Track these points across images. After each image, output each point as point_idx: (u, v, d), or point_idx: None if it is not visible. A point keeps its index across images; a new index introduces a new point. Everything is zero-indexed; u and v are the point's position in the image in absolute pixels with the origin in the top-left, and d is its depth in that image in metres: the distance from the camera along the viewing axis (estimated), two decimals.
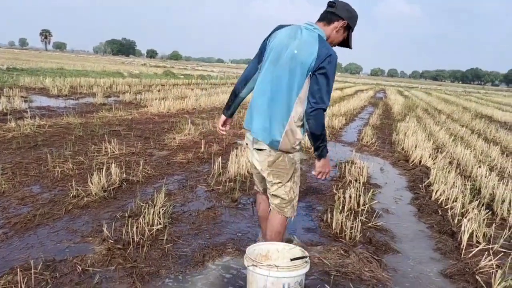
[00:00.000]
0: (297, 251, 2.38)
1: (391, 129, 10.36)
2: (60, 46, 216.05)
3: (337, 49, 2.54)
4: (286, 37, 2.44)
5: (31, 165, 4.61)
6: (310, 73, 2.34)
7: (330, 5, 2.50)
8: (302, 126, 2.47)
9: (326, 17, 2.49)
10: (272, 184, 2.58)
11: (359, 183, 4.86)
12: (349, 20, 2.49)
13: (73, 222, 3.28)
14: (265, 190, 2.74)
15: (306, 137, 2.54)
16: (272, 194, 2.61)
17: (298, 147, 2.52)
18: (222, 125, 2.83)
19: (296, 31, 2.44)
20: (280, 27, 2.54)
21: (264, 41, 2.57)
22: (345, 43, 2.61)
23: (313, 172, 2.62)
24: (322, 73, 2.32)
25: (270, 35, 2.55)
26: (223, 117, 2.82)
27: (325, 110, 2.38)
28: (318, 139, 2.44)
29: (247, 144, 2.66)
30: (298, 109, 2.39)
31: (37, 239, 2.95)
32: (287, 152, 2.49)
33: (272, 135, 2.43)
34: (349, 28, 2.53)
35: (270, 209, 2.70)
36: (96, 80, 16.93)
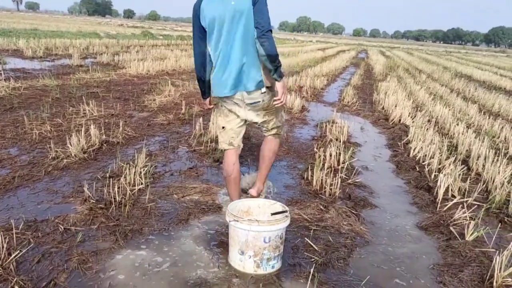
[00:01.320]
0: (278, 206, 2.43)
1: (372, 89, 10.40)
2: (32, 7, 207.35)
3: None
4: (214, 3, 2.67)
5: (8, 128, 4.51)
6: (252, 9, 2.61)
7: None
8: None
9: None
10: (269, 121, 2.94)
11: (340, 142, 4.93)
12: None
13: (54, 183, 3.26)
14: (239, 145, 2.98)
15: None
16: (270, 128, 2.99)
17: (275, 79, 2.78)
18: (209, 104, 3.18)
19: None
20: (197, 4, 2.74)
21: (197, 23, 2.77)
22: None
23: (275, 99, 2.82)
24: (260, 2, 2.62)
25: (198, 15, 2.74)
26: (207, 100, 3.13)
27: (271, 31, 2.67)
28: (276, 59, 2.67)
29: (236, 104, 2.83)
30: (259, 46, 2.63)
31: (17, 200, 2.93)
32: (270, 88, 2.80)
33: (256, 78, 2.71)
34: None
35: (265, 138, 3.07)
36: (71, 41, 16.41)
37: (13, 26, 23.96)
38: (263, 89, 2.76)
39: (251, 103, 2.81)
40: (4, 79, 6.89)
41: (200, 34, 2.78)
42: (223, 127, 2.94)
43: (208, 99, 3.12)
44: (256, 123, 2.97)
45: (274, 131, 3.02)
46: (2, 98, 5.85)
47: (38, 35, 18.46)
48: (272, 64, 2.66)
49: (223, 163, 3.01)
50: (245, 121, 2.94)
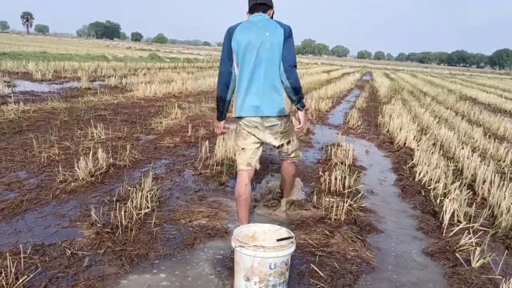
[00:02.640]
0: (283, 232, 2.44)
1: (377, 111, 10.45)
2: (42, 29, 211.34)
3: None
4: (250, 30, 2.95)
5: (17, 151, 4.58)
6: (283, 44, 2.92)
7: None
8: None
9: (262, 7, 3.02)
10: (286, 145, 3.19)
11: (345, 165, 4.93)
12: (273, 7, 3.10)
13: (61, 207, 3.30)
14: (256, 165, 3.16)
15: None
16: (288, 153, 3.25)
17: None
18: (223, 129, 3.35)
19: (253, 22, 2.98)
20: (232, 28, 3.01)
21: (227, 45, 3.01)
22: None
23: (297, 127, 3.18)
24: (290, 39, 2.96)
25: (230, 38, 2.99)
26: (221, 123, 3.30)
27: (296, 66, 3.01)
28: (299, 91, 3.03)
29: (255, 127, 3.03)
30: (283, 77, 2.95)
31: (25, 224, 2.96)
32: (288, 115, 3.11)
33: (279, 105, 2.98)
34: (273, 13, 3.14)
35: (283, 163, 3.37)
36: (80, 64, 16.67)
37: (23, 49, 24.45)
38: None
39: (269, 126, 3.03)
40: (14, 102, 7.02)
41: (229, 55, 3.01)
42: (242, 148, 3.11)
43: (222, 122, 3.28)
44: (274, 146, 3.19)
45: (293, 155, 3.28)
46: (12, 121, 5.95)
47: (47, 58, 18.81)
48: (296, 96, 3.01)
49: (237, 183, 3.13)
50: (263, 143, 3.16)
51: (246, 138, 3.08)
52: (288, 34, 2.94)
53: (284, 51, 2.93)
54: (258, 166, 3.16)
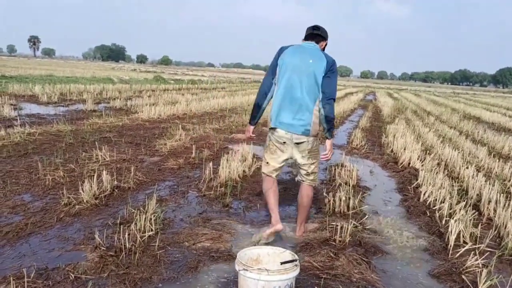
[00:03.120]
0: (287, 254, 2.43)
1: (381, 131, 10.46)
2: (48, 53, 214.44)
3: (329, 54, 3.40)
4: (298, 53, 3.31)
5: (22, 174, 4.61)
6: (323, 74, 3.24)
7: (315, 28, 3.42)
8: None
9: (316, 38, 3.40)
10: (310, 164, 3.41)
11: (349, 186, 4.93)
12: (327, 39, 3.49)
13: (65, 230, 3.30)
14: (277, 176, 3.52)
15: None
16: (309, 172, 3.44)
17: (318, 132, 3.40)
18: (252, 133, 3.61)
19: (303, 47, 3.35)
20: (284, 48, 3.38)
21: (275, 60, 3.38)
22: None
23: (323, 154, 3.41)
24: (333, 73, 3.28)
25: (279, 55, 3.36)
26: (251, 127, 3.58)
27: (335, 100, 3.32)
28: (332, 122, 3.32)
29: (284, 142, 3.34)
30: (318, 103, 3.26)
31: (29, 247, 2.96)
32: (315, 137, 3.36)
33: (306, 126, 3.26)
34: (326, 45, 3.51)
35: (302, 185, 3.51)
36: (86, 87, 16.88)
37: (30, 72, 24.79)
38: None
39: (297, 143, 3.32)
40: (20, 125, 7.09)
41: (274, 69, 3.38)
42: (267, 162, 3.46)
43: (252, 127, 3.57)
44: (299, 164, 3.42)
45: (312, 177, 3.47)
46: (17, 143, 6.00)
47: (53, 81, 19.04)
48: (328, 124, 3.30)
49: (263, 182, 3.53)
50: (287, 159, 3.44)
51: (273, 153, 3.42)
52: (331, 67, 3.26)
53: (325, 84, 3.24)
54: (279, 175, 3.57)
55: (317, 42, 3.39)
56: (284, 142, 3.33)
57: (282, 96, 3.29)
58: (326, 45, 3.48)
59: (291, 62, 3.27)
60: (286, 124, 3.27)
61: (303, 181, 3.50)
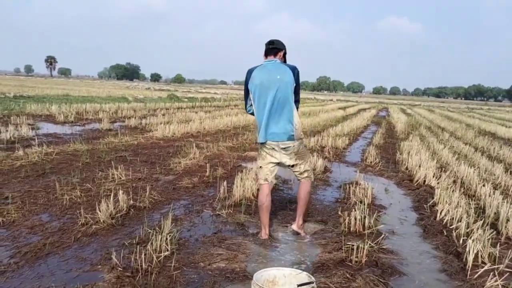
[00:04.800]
0: (304, 276, 2.42)
1: (395, 148, 10.40)
2: (65, 72, 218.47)
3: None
4: (263, 73, 3.70)
5: (40, 193, 4.68)
6: (293, 85, 3.70)
7: (270, 43, 3.80)
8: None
9: (272, 52, 3.79)
10: (299, 164, 3.87)
11: (364, 204, 4.89)
12: (285, 48, 3.86)
13: (82, 250, 3.34)
14: (272, 181, 3.92)
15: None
16: (301, 172, 3.91)
17: (302, 134, 3.88)
18: None
19: (266, 67, 3.73)
20: (250, 70, 3.78)
21: (246, 86, 3.84)
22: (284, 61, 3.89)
23: None
24: (297, 78, 3.74)
25: (248, 79, 3.78)
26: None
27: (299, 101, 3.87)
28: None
29: (273, 148, 3.78)
30: (295, 109, 3.73)
31: (47, 268, 3.00)
32: (301, 139, 3.82)
33: (289, 133, 3.71)
34: (285, 53, 3.87)
35: (300, 182, 3.98)
36: (101, 106, 17.14)
37: (46, 92, 25.32)
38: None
39: (284, 148, 3.77)
40: (37, 145, 7.22)
41: (247, 95, 3.87)
42: (260, 167, 3.89)
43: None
44: (289, 166, 3.87)
45: (305, 174, 3.93)
46: (35, 163, 6.11)
47: (69, 100, 19.42)
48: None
49: (259, 194, 3.93)
50: (279, 163, 3.87)
51: (264, 158, 3.86)
52: (296, 75, 3.70)
53: (296, 94, 3.74)
54: (274, 181, 3.96)
55: (276, 54, 3.77)
56: (273, 148, 3.79)
57: (262, 115, 3.72)
58: (285, 53, 3.85)
59: (261, 83, 3.69)
60: (271, 134, 3.72)
61: (299, 179, 4.00)
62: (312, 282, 2.30)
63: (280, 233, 4.06)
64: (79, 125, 11.54)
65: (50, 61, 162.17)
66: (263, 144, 3.80)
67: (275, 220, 4.39)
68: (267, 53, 3.80)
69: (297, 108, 3.77)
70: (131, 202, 4.47)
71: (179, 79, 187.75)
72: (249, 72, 3.78)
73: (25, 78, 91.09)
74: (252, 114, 3.90)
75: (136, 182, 5.44)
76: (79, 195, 4.65)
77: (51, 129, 10.37)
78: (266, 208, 3.81)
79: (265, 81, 3.66)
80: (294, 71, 3.70)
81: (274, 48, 3.79)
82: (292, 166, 3.87)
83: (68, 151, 7.20)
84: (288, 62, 3.88)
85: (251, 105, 3.85)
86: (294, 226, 3.95)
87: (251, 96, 3.79)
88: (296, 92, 3.75)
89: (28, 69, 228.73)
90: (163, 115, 15.44)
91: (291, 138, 3.72)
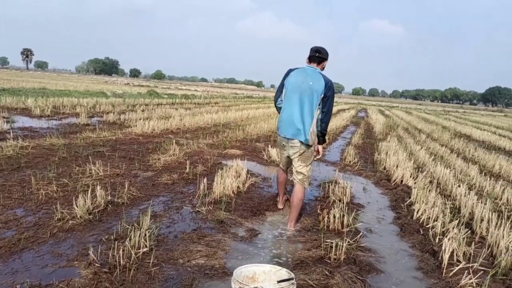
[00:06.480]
0: (284, 272, 2.43)
1: (373, 148, 10.54)
2: (41, 65, 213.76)
3: None
4: (300, 76, 4.05)
5: (15, 188, 4.56)
6: (321, 95, 3.98)
7: (318, 51, 4.09)
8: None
9: (317, 60, 4.11)
10: (299, 165, 4.18)
11: (343, 203, 4.94)
12: (328, 58, 4.17)
13: (58, 245, 3.27)
14: (287, 169, 4.56)
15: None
16: (298, 171, 4.19)
17: (315, 142, 4.15)
18: None
19: (306, 71, 4.08)
20: (291, 70, 4.18)
21: (283, 80, 4.20)
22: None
23: (317, 156, 4.33)
24: (330, 94, 4.01)
25: (286, 76, 4.16)
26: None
27: (330, 117, 4.12)
28: (325, 134, 4.21)
29: (284, 144, 4.25)
30: (315, 118, 4.03)
31: (22, 263, 2.93)
32: (310, 146, 4.10)
33: (305, 136, 4.03)
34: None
35: (295, 184, 4.23)
36: (79, 100, 16.83)
37: (22, 85, 24.70)
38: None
39: (291, 146, 4.16)
40: (12, 138, 7.04)
41: (281, 88, 4.24)
42: (278, 156, 4.55)
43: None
44: (292, 160, 4.23)
45: (300, 176, 4.19)
46: (10, 157, 5.95)
47: (46, 94, 18.97)
48: (322, 137, 4.20)
49: (277, 172, 4.76)
50: (289, 156, 4.26)
51: (279, 150, 4.43)
52: (328, 88, 3.98)
53: (323, 103, 4.01)
54: (287, 170, 4.58)
55: (319, 63, 4.11)
56: (284, 145, 4.24)
57: (286, 111, 4.11)
58: (326, 63, 4.19)
59: (294, 82, 4.05)
60: (286, 132, 4.13)
61: (294, 179, 4.27)
62: (292, 279, 2.31)
63: (259, 230, 4.06)
64: (56, 119, 11.29)
65: (27, 53, 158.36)
66: (279, 136, 4.28)
67: (254, 218, 4.39)
68: (311, 60, 4.12)
69: (325, 119, 4.06)
70: (109, 197, 4.40)
71: (159, 75, 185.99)
72: (290, 71, 4.17)
73: (0, 70, 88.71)
74: (279, 108, 4.26)
75: (114, 178, 5.36)
76: (55, 190, 4.55)
77: (27, 122, 10.12)
78: (282, 183, 4.66)
79: (299, 82, 4.01)
80: (327, 83, 3.98)
81: (319, 57, 4.10)
82: (294, 162, 4.21)
83: (45, 145, 7.04)
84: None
85: (281, 100, 4.22)
86: (288, 227, 4.20)
87: (283, 92, 4.19)
88: (325, 103, 4.01)
89: (3, 61, 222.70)
90: (143, 111, 15.25)
91: (302, 140, 4.04)
